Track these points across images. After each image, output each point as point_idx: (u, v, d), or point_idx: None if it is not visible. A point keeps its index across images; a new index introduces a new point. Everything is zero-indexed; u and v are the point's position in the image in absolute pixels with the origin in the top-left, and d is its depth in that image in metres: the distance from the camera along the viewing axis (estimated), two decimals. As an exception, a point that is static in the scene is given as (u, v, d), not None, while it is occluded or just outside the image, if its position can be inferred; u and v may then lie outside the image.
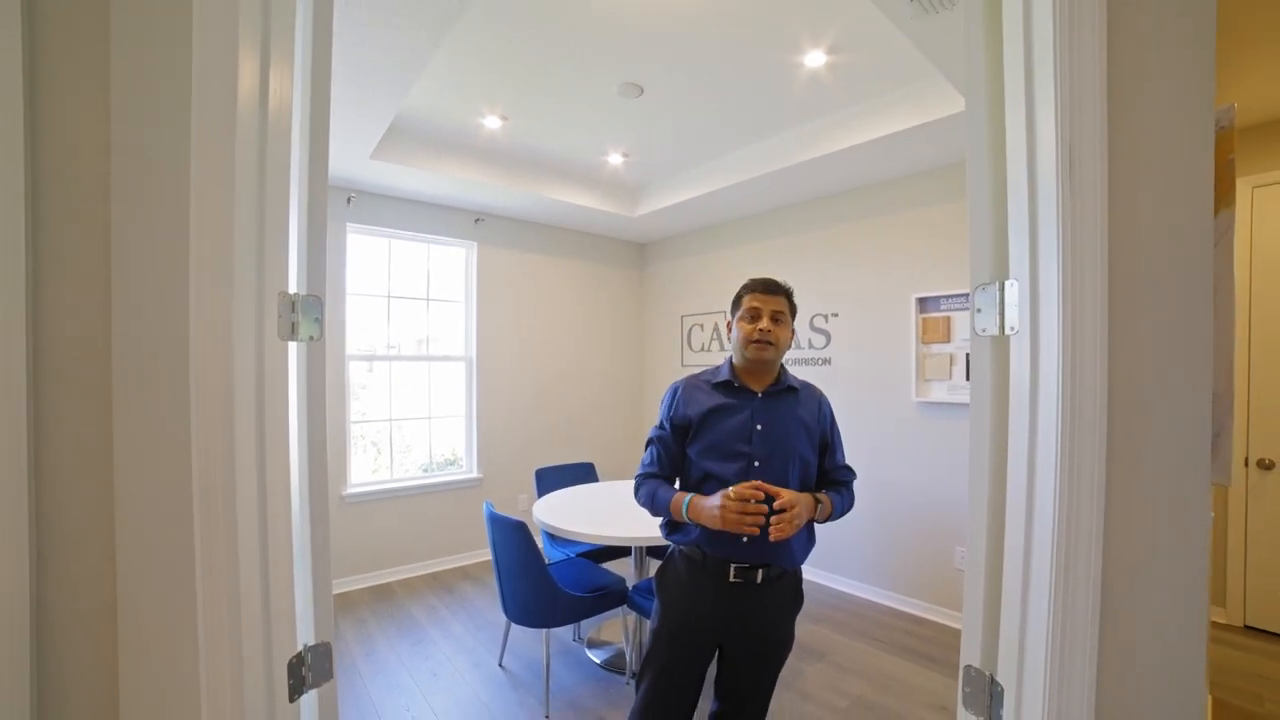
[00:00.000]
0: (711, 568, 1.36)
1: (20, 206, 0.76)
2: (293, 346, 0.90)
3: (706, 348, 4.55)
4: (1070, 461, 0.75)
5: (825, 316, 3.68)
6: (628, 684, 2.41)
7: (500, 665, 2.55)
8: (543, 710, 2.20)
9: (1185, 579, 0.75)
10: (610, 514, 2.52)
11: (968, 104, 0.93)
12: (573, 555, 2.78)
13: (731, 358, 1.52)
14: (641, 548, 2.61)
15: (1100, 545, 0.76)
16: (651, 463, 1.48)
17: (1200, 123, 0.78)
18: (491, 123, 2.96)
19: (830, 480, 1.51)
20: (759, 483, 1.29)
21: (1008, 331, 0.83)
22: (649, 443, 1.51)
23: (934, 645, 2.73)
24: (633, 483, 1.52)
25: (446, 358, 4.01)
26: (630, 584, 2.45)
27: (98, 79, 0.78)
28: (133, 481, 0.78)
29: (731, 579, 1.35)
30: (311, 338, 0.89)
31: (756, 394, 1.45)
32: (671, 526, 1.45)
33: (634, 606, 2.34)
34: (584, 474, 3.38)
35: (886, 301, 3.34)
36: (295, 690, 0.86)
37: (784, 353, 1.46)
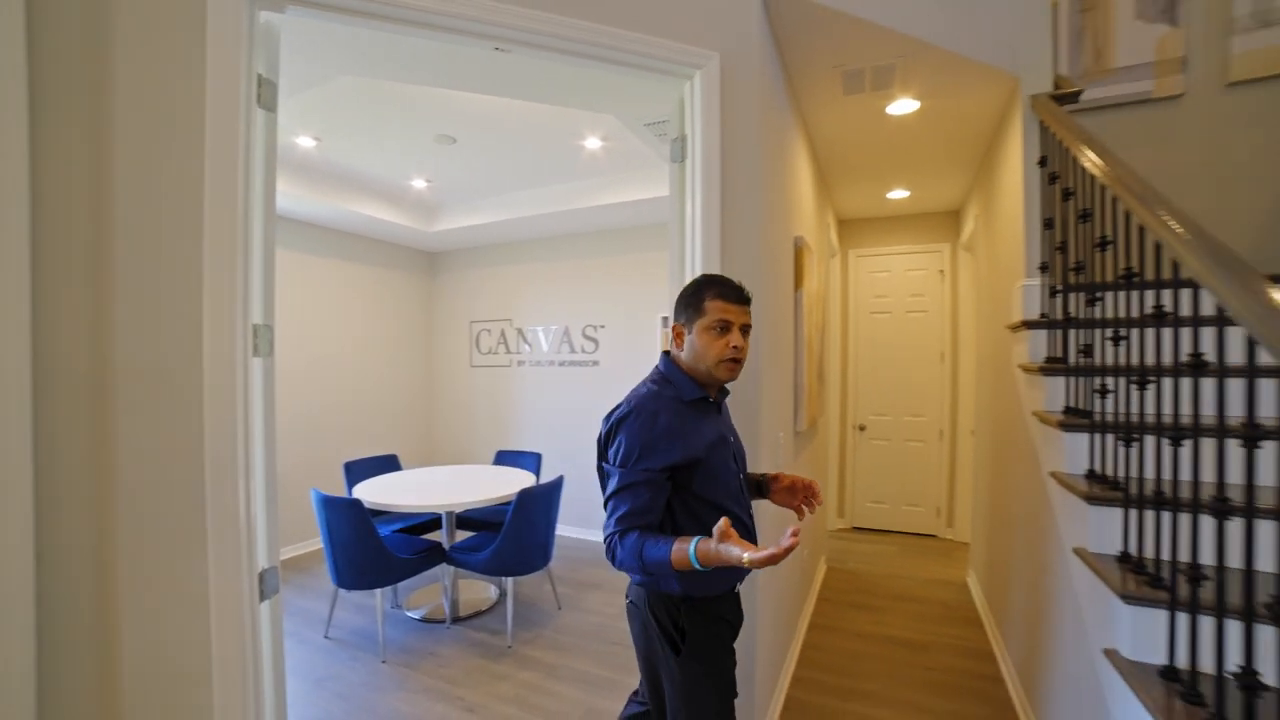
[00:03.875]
0: (734, 598, 1.32)
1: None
2: (257, 362, 1.40)
3: (494, 351, 5.15)
4: None
5: (595, 327, 4.64)
6: (449, 628, 2.95)
7: (326, 637, 2.86)
8: (379, 658, 2.64)
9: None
10: (421, 491, 3.05)
11: (670, 224, 1.84)
12: (390, 533, 3.20)
13: (674, 367, 1.30)
14: (453, 514, 3.17)
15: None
16: (644, 510, 1.16)
17: (778, 242, 1.80)
18: (305, 141, 3.17)
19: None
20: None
21: None
22: (629, 485, 1.17)
23: (670, 564, 3.87)
24: (605, 543, 1.20)
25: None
26: (446, 545, 3.01)
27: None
28: (155, 450, 1.19)
29: (736, 591, 1.34)
30: (268, 355, 1.38)
31: (713, 403, 1.33)
32: (666, 577, 1.19)
33: (453, 561, 2.92)
34: (390, 464, 3.74)
35: (642, 318, 4.43)
36: (262, 595, 1.37)
37: None
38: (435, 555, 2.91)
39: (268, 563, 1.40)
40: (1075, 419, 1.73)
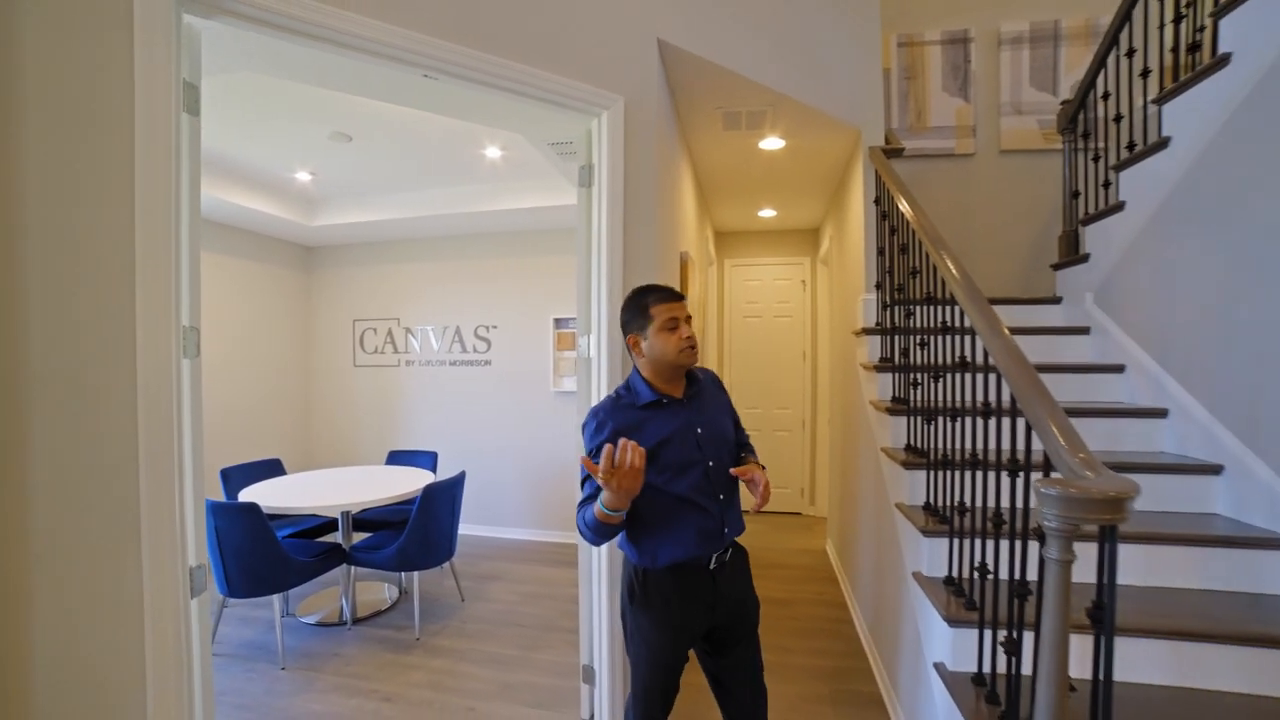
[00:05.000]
0: (700, 567, 1.43)
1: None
2: (186, 363, 1.45)
3: (380, 350, 5.01)
4: None
5: (488, 328, 4.72)
6: (350, 629, 2.94)
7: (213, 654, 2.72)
8: (277, 666, 2.58)
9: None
10: (316, 493, 3.00)
11: (578, 239, 2.09)
12: (281, 538, 3.09)
13: (638, 375, 1.47)
14: (349, 513, 3.14)
15: (629, 437, 2.01)
16: (595, 495, 1.31)
17: (668, 258, 2.10)
18: (177, 129, 2.95)
19: (743, 447, 1.61)
20: (739, 471, 1.45)
21: (590, 356, 2.01)
22: (585, 478, 1.38)
23: (572, 554, 4.08)
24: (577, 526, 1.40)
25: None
26: (345, 546, 2.99)
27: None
28: (75, 451, 1.20)
29: (712, 567, 1.44)
30: (195, 356, 1.42)
31: (680, 399, 1.47)
32: (646, 549, 1.41)
33: (355, 560, 2.92)
34: (273, 469, 3.57)
35: (533, 319, 4.59)
36: (192, 591, 1.42)
37: None
38: (335, 556, 2.89)
39: (196, 560, 1.44)
40: (898, 406, 2.23)
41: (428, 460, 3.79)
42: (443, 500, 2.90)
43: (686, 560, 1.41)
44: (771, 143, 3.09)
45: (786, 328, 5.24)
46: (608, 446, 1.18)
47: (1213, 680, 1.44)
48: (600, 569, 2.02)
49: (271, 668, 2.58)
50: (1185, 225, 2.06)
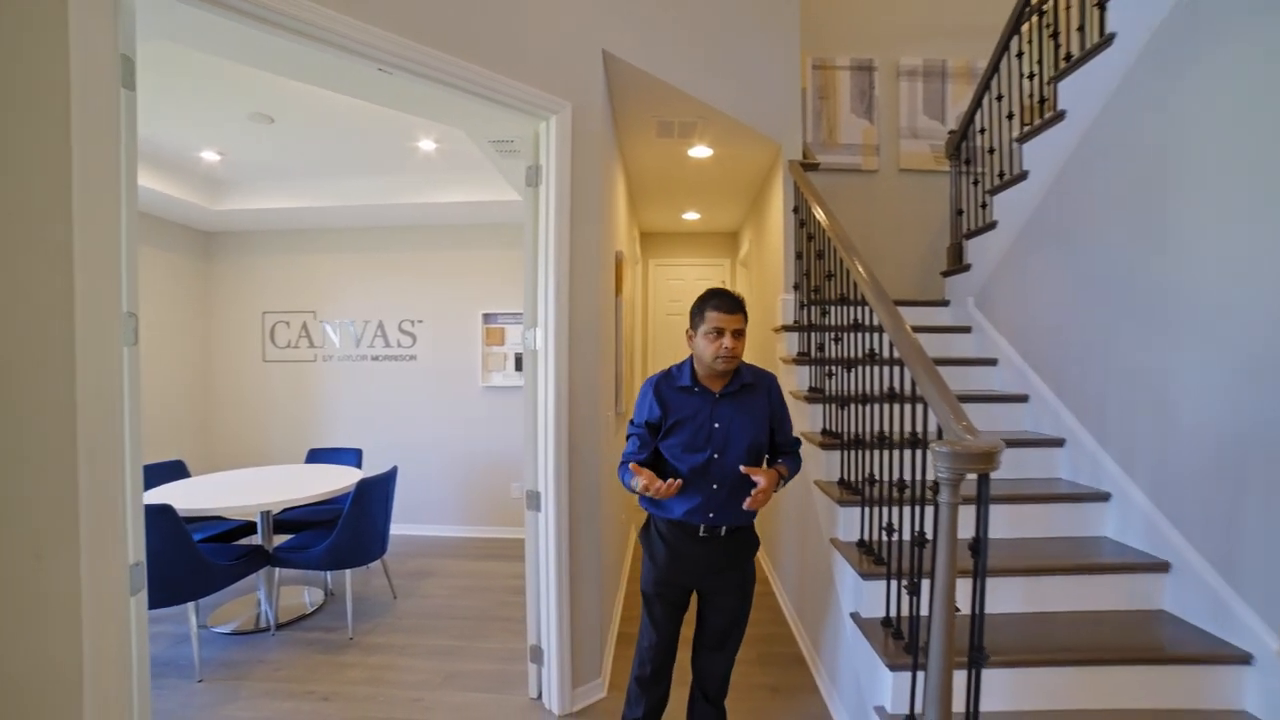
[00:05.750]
0: (687, 530, 1.65)
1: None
2: (126, 350, 1.42)
3: (294, 344, 4.75)
4: (559, 406, 2.09)
5: (412, 322, 4.61)
6: (274, 635, 2.82)
7: (112, 666, 2.51)
8: (195, 677, 2.44)
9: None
10: (233, 494, 2.83)
11: (525, 236, 2.18)
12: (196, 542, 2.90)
13: (689, 360, 1.71)
14: (269, 513, 2.99)
15: (566, 440, 2.13)
16: (635, 450, 1.68)
17: (607, 257, 2.23)
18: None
19: (782, 450, 1.76)
20: (749, 470, 1.58)
21: (537, 348, 2.11)
22: (629, 435, 1.72)
23: (504, 548, 4.12)
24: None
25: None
26: (268, 548, 2.87)
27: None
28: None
29: (701, 535, 1.65)
30: (133, 344, 1.38)
31: (715, 394, 1.65)
32: (650, 500, 1.65)
33: (280, 562, 2.81)
34: (176, 471, 3.32)
35: (461, 313, 4.54)
36: (131, 589, 1.39)
37: (741, 358, 1.66)
38: (258, 559, 2.76)
39: (135, 557, 1.40)
40: (815, 395, 2.50)
41: (352, 457, 3.68)
42: (377, 495, 2.86)
43: (680, 521, 1.65)
44: (700, 151, 3.30)
45: (708, 325, 5.52)
46: (656, 481, 1.51)
47: (1050, 605, 1.84)
48: (548, 553, 2.12)
49: (185, 682, 2.43)
50: (1039, 245, 2.48)
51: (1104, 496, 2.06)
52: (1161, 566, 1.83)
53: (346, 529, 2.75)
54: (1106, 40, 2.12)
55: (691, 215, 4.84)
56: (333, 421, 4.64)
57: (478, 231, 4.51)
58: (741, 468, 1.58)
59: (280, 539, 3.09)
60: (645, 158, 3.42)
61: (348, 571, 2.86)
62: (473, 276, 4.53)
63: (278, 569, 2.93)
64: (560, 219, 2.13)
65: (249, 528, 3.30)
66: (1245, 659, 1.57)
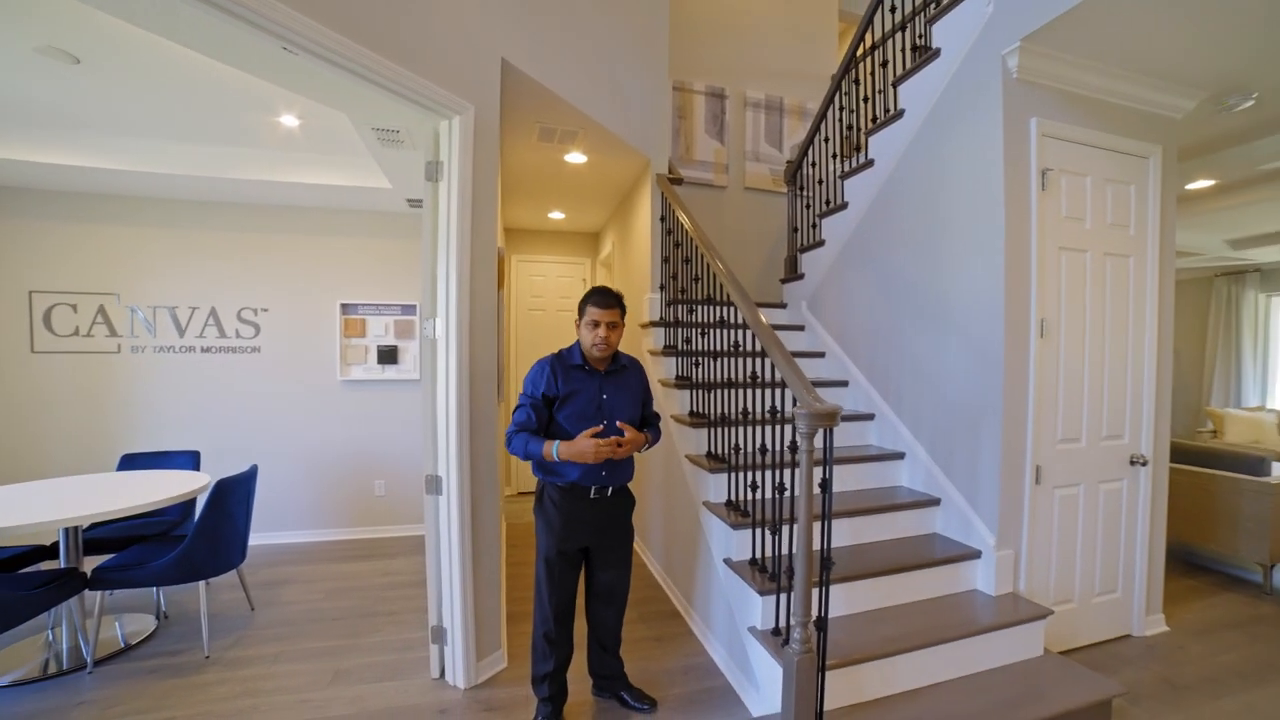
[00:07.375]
0: (580, 492, 1.92)
1: None
2: None
3: (85, 332, 3.99)
4: (460, 393, 2.19)
5: (254, 310, 4.17)
6: (90, 673, 2.42)
7: None
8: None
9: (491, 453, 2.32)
10: (23, 509, 2.29)
11: (424, 227, 2.23)
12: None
13: (577, 344, 1.99)
14: (78, 529, 2.56)
15: (468, 425, 2.24)
16: (526, 421, 1.88)
17: (492, 253, 2.35)
18: None
19: (648, 423, 2.09)
20: (621, 425, 1.90)
21: (437, 337, 2.19)
22: (520, 406, 1.92)
23: (372, 549, 3.94)
24: (506, 436, 1.93)
25: None
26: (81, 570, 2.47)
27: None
28: None
29: (593, 497, 1.93)
30: None
31: (600, 372, 1.97)
32: (545, 469, 1.92)
33: (104, 584, 2.44)
34: (-62, 491, 2.68)
35: (315, 303, 4.22)
36: None
37: (616, 346, 1.97)
38: (72, 583, 2.37)
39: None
40: (683, 382, 2.88)
41: (188, 461, 3.27)
42: (238, 496, 2.63)
43: (575, 484, 1.92)
44: (575, 157, 3.51)
45: (568, 320, 5.73)
46: (614, 439, 1.83)
47: (866, 538, 2.41)
48: (451, 533, 2.20)
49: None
50: (856, 261, 3.13)
51: (900, 455, 2.72)
52: (934, 501, 2.51)
53: (203, 535, 2.50)
54: (899, 113, 2.78)
55: (557, 215, 5.02)
56: (152, 422, 4.00)
57: (339, 217, 4.22)
58: (618, 423, 1.91)
59: (94, 560, 2.66)
60: (523, 158, 3.54)
61: (201, 585, 2.59)
62: (330, 264, 4.23)
63: (100, 593, 2.54)
64: (462, 214, 2.21)
65: (37, 553, 2.77)
66: (976, 555, 2.30)
